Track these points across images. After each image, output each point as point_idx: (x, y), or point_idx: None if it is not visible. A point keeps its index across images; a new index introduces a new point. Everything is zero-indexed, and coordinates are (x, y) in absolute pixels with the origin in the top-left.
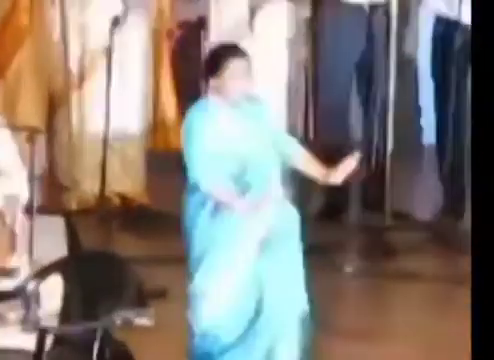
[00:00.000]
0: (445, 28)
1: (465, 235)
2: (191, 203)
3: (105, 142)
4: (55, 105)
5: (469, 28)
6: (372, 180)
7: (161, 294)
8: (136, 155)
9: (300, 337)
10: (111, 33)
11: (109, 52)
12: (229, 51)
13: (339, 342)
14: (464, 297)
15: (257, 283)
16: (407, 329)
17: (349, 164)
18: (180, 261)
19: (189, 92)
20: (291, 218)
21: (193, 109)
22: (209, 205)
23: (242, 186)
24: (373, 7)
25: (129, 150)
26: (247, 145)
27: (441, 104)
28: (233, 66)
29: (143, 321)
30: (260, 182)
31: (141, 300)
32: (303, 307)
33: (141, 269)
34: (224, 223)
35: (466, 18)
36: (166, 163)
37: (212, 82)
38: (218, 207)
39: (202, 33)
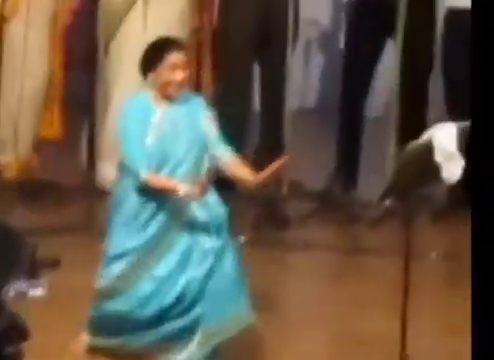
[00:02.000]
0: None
1: (357, 204)
2: (122, 185)
3: None
4: None
5: None
6: (265, 149)
7: (54, 264)
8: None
9: None
10: None
11: None
12: (166, 45)
13: None
14: (358, 265)
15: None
16: (299, 298)
17: (276, 166)
18: (71, 230)
19: None
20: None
21: (131, 99)
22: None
23: None
24: None
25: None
26: (175, 144)
27: (346, 76)
28: (169, 59)
29: (36, 292)
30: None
31: (34, 271)
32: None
33: (33, 240)
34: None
35: None
36: None
37: (149, 76)
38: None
39: None
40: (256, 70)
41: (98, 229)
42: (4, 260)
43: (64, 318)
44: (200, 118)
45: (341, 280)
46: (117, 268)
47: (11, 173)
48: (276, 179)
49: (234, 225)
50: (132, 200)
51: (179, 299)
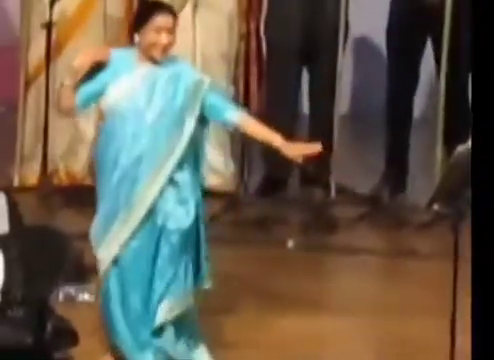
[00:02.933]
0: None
1: (406, 208)
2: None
3: (46, 118)
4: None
5: None
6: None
7: None
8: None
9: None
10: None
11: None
12: (153, 7)
13: (285, 316)
14: (407, 269)
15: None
16: (352, 302)
17: (312, 148)
18: None
19: None
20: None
21: (116, 50)
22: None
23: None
24: None
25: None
26: (146, 108)
27: (392, 79)
28: (155, 21)
29: (85, 297)
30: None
31: (82, 276)
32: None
33: (83, 245)
34: None
35: None
36: None
37: (136, 37)
38: None
39: None
40: (304, 75)
41: None
42: (52, 265)
43: None
44: (182, 86)
45: (389, 284)
46: None
47: (62, 181)
48: (323, 182)
49: (282, 229)
50: None
51: None
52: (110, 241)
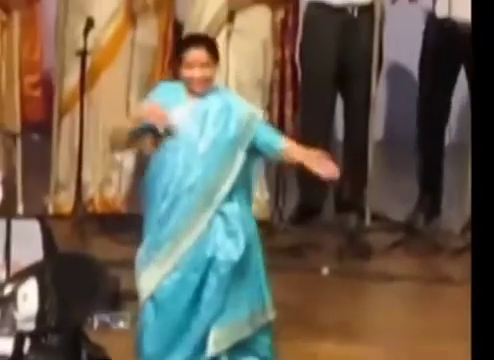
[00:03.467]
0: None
1: (441, 234)
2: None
3: (81, 146)
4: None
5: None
6: (349, 180)
7: (137, 297)
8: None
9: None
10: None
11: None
12: (185, 42)
13: (319, 343)
14: (442, 295)
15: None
16: (386, 329)
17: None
18: None
19: None
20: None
21: (165, 83)
22: None
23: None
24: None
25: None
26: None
27: (423, 106)
28: (186, 57)
29: (120, 324)
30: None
31: (117, 304)
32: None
33: (117, 272)
34: None
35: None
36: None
37: (179, 72)
38: None
39: None
40: (339, 102)
41: None
42: (86, 292)
43: None
44: (235, 117)
45: (424, 310)
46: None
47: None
48: (358, 209)
49: (318, 255)
50: None
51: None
52: (153, 271)
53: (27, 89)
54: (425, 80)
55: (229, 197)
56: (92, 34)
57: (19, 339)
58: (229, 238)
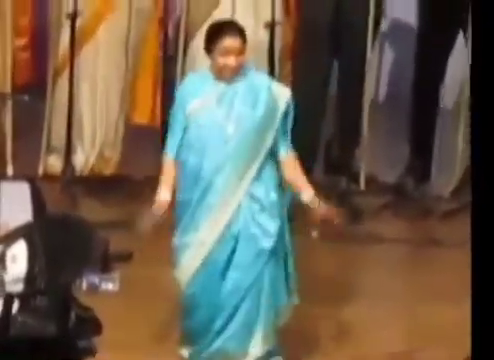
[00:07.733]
0: None
1: (431, 198)
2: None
3: (70, 108)
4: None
5: None
6: (342, 139)
7: (127, 258)
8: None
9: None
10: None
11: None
12: (220, 29)
13: (311, 306)
14: (431, 257)
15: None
16: (372, 291)
17: (333, 215)
18: None
19: None
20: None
21: (192, 74)
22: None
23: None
24: None
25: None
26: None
27: (419, 66)
28: (221, 45)
29: (109, 286)
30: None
31: (106, 265)
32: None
33: (105, 234)
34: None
35: None
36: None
37: (209, 59)
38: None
39: None
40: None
41: (169, 221)
42: (76, 254)
43: (136, 312)
44: (264, 96)
45: (413, 272)
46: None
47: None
48: (349, 172)
49: (306, 219)
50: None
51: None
52: (193, 251)
53: (17, 51)
54: (422, 40)
55: (257, 179)
56: None
57: (8, 300)
58: (258, 221)
